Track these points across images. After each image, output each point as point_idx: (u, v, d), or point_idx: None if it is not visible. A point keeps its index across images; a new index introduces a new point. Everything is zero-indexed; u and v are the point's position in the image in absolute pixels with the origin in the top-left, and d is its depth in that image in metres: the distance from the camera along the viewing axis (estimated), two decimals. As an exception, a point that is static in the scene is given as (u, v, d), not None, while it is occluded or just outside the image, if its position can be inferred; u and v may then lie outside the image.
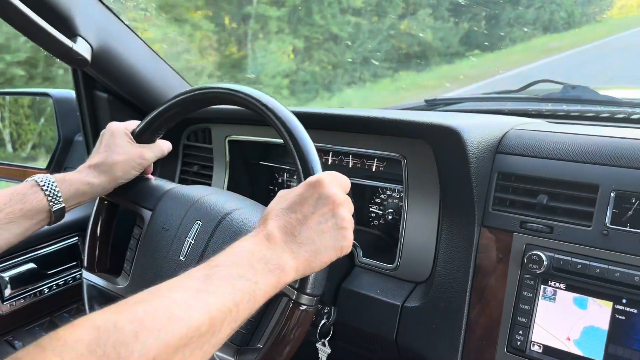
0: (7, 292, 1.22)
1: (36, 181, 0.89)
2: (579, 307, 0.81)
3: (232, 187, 1.31)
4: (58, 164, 1.56)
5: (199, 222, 0.92)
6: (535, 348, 0.84)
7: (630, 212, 0.80)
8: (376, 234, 1.18)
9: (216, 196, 0.97)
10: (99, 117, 1.33)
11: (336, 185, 0.74)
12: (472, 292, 0.90)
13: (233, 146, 1.31)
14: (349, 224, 0.74)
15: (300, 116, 0.85)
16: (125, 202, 1.02)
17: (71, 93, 1.54)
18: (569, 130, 0.94)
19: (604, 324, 0.79)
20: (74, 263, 1.34)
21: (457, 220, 0.93)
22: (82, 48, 1.06)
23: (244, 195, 1.05)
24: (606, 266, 0.79)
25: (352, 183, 1.16)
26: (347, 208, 0.74)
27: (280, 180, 1.35)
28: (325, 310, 0.99)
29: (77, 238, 1.35)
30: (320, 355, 0.99)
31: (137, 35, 1.22)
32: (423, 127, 0.94)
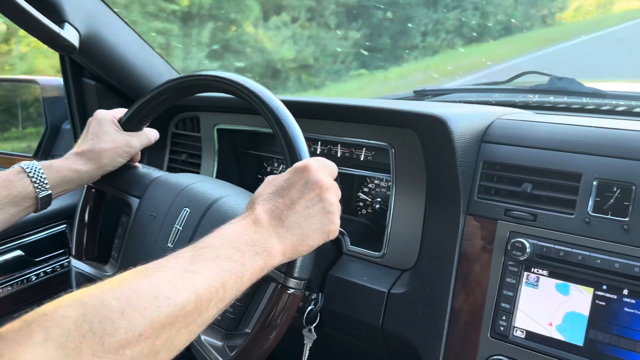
0: (-6, 279, 1.21)
1: (22, 167, 0.89)
2: (561, 293, 0.83)
3: (221, 176, 1.32)
4: (45, 152, 1.56)
5: (187, 209, 0.92)
6: (518, 333, 0.85)
7: (611, 201, 0.81)
8: (364, 222, 1.19)
9: (204, 183, 0.98)
10: (87, 105, 1.33)
11: (323, 170, 0.75)
12: (457, 279, 0.91)
13: (222, 135, 1.31)
14: (336, 208, 0.75)
15: (289, 105, 0.85)
16: (112, 190, 1.02)
17: (58, 80, 1.53)
18: (553, 120, 0.95)
19: (585, 310, 0.81)
20: (62, 251, 1.34)
21: (443, 208, 0.94)
22: (69, 34, 1.06)
23: (232, 183, 1.05)
24: (588, 253, 0.80)
25: (340, 172, 1.18)
26: (334, 193, 0.75)
27: (269, 170, 1.35)
28: (312, 297, 1.00)
29: (65, 226, 1.35)
30: (305, 342, 1.00)
31: (126, 23, 1.21)
32: (410, 116, 0.95)
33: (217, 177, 1.32)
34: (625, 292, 0.78)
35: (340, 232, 1.07)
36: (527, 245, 0.84)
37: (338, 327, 1.04)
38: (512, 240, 0.85)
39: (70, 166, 0.93)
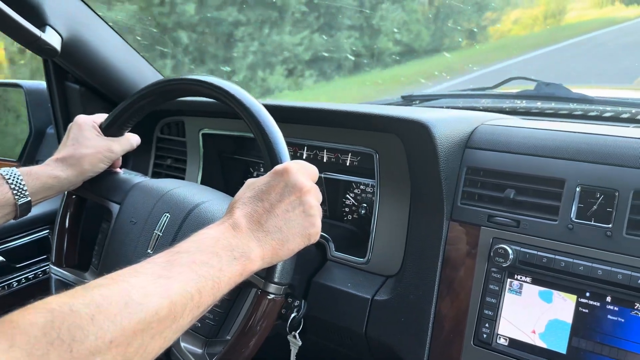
0: (-26, 285, 1.19)
1: (1, 174, 0.87)
2: (544, 300, 0.82)
3: (206, 180, 1.30)
4: (30, 157, 1.54)
5: (167, 214, 0.91)
6: (502, 341, 0.84)
7: (594, 207, 0.81)
8: (349, 228, 1.18)
9: (185, 188, 0.97)
10: (71, 109, 1.32)
11: (303, 173, 0.74)
12: (441, 286, 0.90)
13: (207, 139, 1.30)
14: (317, 211, 0.74)
15: (273, 109, 0.84)
16: (93, 196, 1.01)
17: (43, 84, 1.51)
18: (536, 125, 0.94)
19: (568, 317, 0.80)
20: (44, 256, 1.32)
21: (427, 214, 0.93)
22: (51, 38, 1.05)
23: (217, 188, 1.04)
24: (571, 260, 0.80)
25: (326, 177, 1.18)
26: (314, 196, 0.74)
27: (255, 175, 1.34)
28: (296, 304, 0.99)
29: (47, 231, 1.33)
30: (291, 348, 0.99)
31: (109, 25, 1.20)
32: (393, 121, 0.94)
33: (202, 182, 1.30)
34: (609, 299, 0.78)
35: (325, 238, 1.06)
36: (510, 251, 0.83)
37: (322, 334, 1.03)
38: (495, 247, 0.85)
39: (50, 172, 0.92)
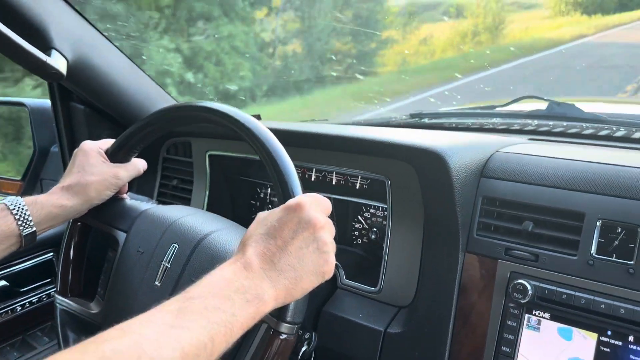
0: (-23, 310, 1.17)
1: (6, 205, 0.86)
2: (563, 337, 0.80)
3: (213, 202, 1.28)
4: (34, 175, 1.52)
5: (176, 244, 0.89)
6: (519, 378, 0.82)
7: (616, 242, 0.78)
8: (359, 253, 1.16)
9: (194, 217, 0.94)
10: (76, 129, 1.30)
11: (317, 208, 0.72)
12: (456, 320, 0.88)
13: (214, 161, 1.28)
14: (331, 247, 0.72)
15: (281, 134, 0.82)
16: (98, 224, 0.98)
17: (47, 103, 1.49)
18: (555, 154, 0.92)
19: (589, 356, 0.78)
20: (49, 280, 1.30)
21: (441, 244, 0.91)
22: (56, 62, 1.03)
23: (225, 210, 1.02)
24: (592, 297, 0.77)
25: (335, 199, 1.15)
26: (328, 231, 0.72)
27: (262, 195, 1.32)
28: (306, 337, 0.96)
29: (52, 254, 1.31)
30: (300, 381, 0.96)
31: (116, 47, 1.18)
32: (405, 149, 0.92)
33: (209, 203, 1.28)
34: (631, 339, 0.75)
35: (335, 266, 1.04)
36: (529, 287, 0.81)
37: (333, 366, 1.01)
38: (514, 282, 0.82)
39: (56, 202, 0.90)
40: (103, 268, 1.00)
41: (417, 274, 0.94)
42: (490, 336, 0.85)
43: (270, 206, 1.30)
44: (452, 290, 0.88)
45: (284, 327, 0.74)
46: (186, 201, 1.31)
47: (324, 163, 1.11)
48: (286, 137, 0.85)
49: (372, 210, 1.15)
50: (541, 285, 0.81)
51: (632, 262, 0.76)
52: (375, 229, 1.13)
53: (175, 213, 0.96)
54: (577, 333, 0.79)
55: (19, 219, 0.85)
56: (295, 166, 0.79)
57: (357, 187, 1.14)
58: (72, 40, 1.07)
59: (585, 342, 0.78)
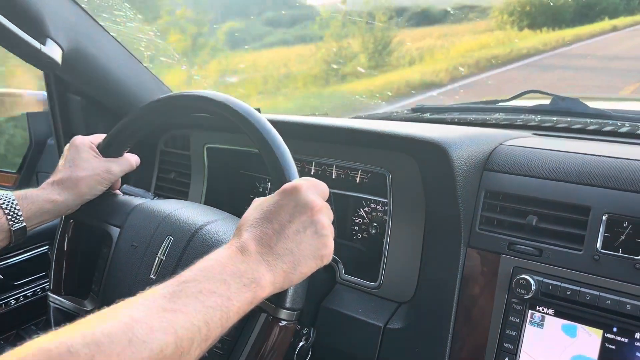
0: (-29, 304, 1.16)
1: None
2: (567, 334, 0.78)
3: (211, 196, 1.26)
4: (30, 168, 1.50)
5: (170, 237, 0.87)
6: (522, 376, 0.80)
7: (622, 237, 0.76)
8: (359, 248, 1.14)
9: (189, 209, 0.92)
10: (72, 121, 1.28)
11: (314, 191, 0.70)
12: (458, 315, 0.86)
13: (212, 154, 1.26)
14: (329, 231, 0.70)
15: (280, 125, 0.80)
16: (91, 220, 0.96)
17: (43, 94, 1.47)
18: (560, 147, 0.90)
19: (593, 353, 0.76)
20: (43, 274, 1.28)
21: (443, 239, 0.89)
22: (52, 50, 1.01)
23: (222, 204, 1.00)
24: (597, 293, 0.75)
25: (335, 194, 1.13)
26: (326, 215, 0.70)
27: (261, 189, 1.30)
28: (304, 332, 0.94)
29: (47, 247, 1.29)
30: (298, 378, 0.94)
31: (113, 37, 1.16)
32: (408, 141, 0.90)
33: (207, 197, 1.26)
34: (637, 335, 0.73)
35: (334, 260, 1.02)
36: (532, 282, 0.79)
37: (331, 362, 0.99)
38: (517, 277, 0.80)
39: (47, 197, 0.88)
40: (97, 264, 0.98)
41: (417, 269, 0.92)
42: (493, 332, 0.83)
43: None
44: (454, 286, 0.86)
45: (283, 314, 0.73)
46: (184, 195, 1.29)
47: (324, 156, 1.09)
48: (285, 128, 0.83)
49: (372, 205, 1.13)
50: (545, 280, 0.79)
51: (639, 257, 0.74)
52: (375, 224, 1.11)
53: (169, 206, 0.95)
54: (582, 330, 0.77)
55: (8, 214, 0.84)
56: (295, 160, 0.77)
57: (357, 182, 1.12)
58: (67, 29, 1.05)
59: (589, 339, 0.76)
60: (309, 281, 0.75)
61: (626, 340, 0.74)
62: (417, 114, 1.46)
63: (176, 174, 1.33)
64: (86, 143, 0.94)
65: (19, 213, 0.84)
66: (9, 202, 0.83)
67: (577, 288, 0.77)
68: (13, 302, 1.22)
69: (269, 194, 1.27)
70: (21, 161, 1.49)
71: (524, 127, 1.29)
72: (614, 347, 0.75)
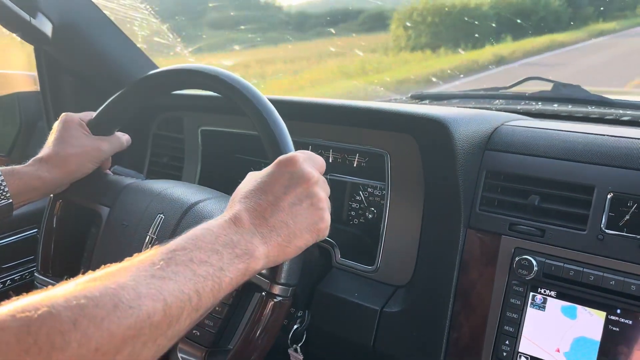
0: (-44, 287, 1.13)
1: None
2: (568, 316, 0.76)
3: (205, 181, 1.24)
4: (20, 151, 1.46)
5: (162, 215, 0.85)
6: (522, 360, 0.78)
7: (627, 216, 0.74)
8: (356, 233, 1.11)
9: (181, 188, 0.90)
10: (63, 102, 1.25)
11: (310, 163, 0.68)
12: (456, 299, 0.84)
13: (206, 137, 1.23)
14: (326, 204, 0.68)
15: (277, 104, 0.78)
16: (80, 199, 0.94)
17: (34, 75, 1.44)
18: (563, 127, 0.88)
19: (596, 336, 0.73)
20: (31, 257, 1.25)
21: (442, 220, 0.87)
22: (42, 24, 0.98)
23: (217, 189, 0.97)
24: (601, 273, 0.73)
25: (332, 179, 1.11)
26: (322, 188, 0.68)
27: (256, 174, 1.28)
28: (299, 315, 0.92)
29: (35, 230, 1.26)
30: (292, 362, 0.92)
31: (104, 14, 1.13)
32: (408, 119, 0.88)
33: (200, 182, 1.24)
34: (642, 317, 0.71)
35: (330, 243, 1.00)
36: (534, 263, 0.77)
37: (326, 347, 0.96)
38: (518, 258, 0.78)
39: (34, 173, 0.86)
40: (86, 245, 0.95)
41: (415, 251, 0.90)
42: (492, 315, 0.80)
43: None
44: (453, 268, 0.84)
45: (278, 289, 0.71)
46: (177, 179, 1.26)
47: (321, 137, 1.06)
48: (282, 108, 0.80)
49: (369, 189, 1.10)
50: (547, 261, 0.77)
51: (644, 237, 0.72)
52: (372, 209, 1.09)
53: (160, 185, 0.92)
54: (585, 311, 0.75)
55: None
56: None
57: (355, 165, 1.10)
58: (58, 3, 1.02)
59: (592, 320, 0.74)
60: (303, 260, 0.72)
61: (630, 322, 0.72)
62: (416, 101, 1.44)
63: (169, 158, 1.30)
64: (75, 120, 0.92)
65: (6, 189, 0.82)
66: None
67: (581, 269, 0.75)
68: (0, 285, 1.19)
69: (264, 165, 1.25)
70: (11, 143, 1.46)
71: (527, 114, 1.27)
72: (617, 329, 0.72)
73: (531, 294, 0.78)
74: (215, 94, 0.82)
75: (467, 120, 0.87)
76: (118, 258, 0.85)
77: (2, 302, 0.43)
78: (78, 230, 0.97)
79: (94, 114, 0.94)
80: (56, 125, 0.92)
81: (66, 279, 0.47)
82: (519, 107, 1.30)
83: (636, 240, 0.73)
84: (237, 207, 0.62)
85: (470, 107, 1.32)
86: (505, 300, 0.80)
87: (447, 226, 0.86)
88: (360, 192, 1.11)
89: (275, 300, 0.70)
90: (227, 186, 1.26)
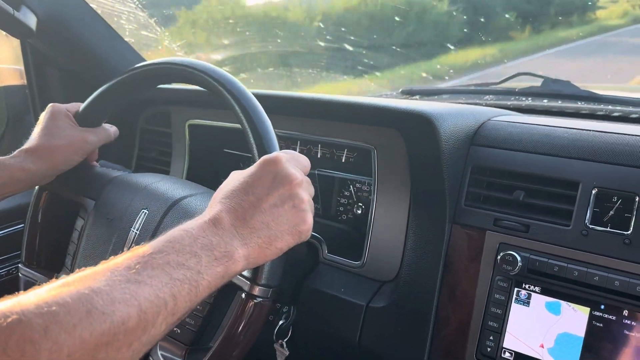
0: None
1: None
2: (552, 312, 0.76)
3: (192, 176, 1.23)
4: (7, 146, 1.45)
5: (145, 210, 0.84)
6: (507, 355, 0.78)
7: (611, 212, 0.74)
8: (343, 229, 1.11)
9: (167, 183, 0.89)
10: (51, 96, 1.23)
11: (294, 164, 0.67)
12: (441, 294, 0.83)
13: (194, 131, 1.22)
14: (308, 206, 0.67)
15: (263, 99, 0.77)
16: (66, 191, 0.93)
17: (20, 69, 1.43)
18: (549, 122, 0.88)
19: (580, 331, 0.73)
20: (17, 252, 1.24)
21: (427, 216, 0.86)
22: (26, 17, 0.97)
23: (204, 185, 0.97)
24: (585, 269, 0.73)
25: (320, 174, 1.10)
26: (306, 189, 0.67)
27: (243, 168, 1.27)
28: (284, 310, 0.92)
29: (21, 225, 1.25)
30: (277, 357, 0.92)
31: (91, 7, 1.12)
32: (393, 113, 0.87)
33: (188, 177, 1.23)
34: (626, 313, 0.71)
35: (317, 239, 0.99)
36: (519, 258, 0.76)
37: (312, 342, 0.96)
38: (502, 253, 0.78)
39: (19, 165, 0.85)
40: (71, 237, 0.94)
41: (401, 247, 0.90)
42: (477, 310, 0.80)
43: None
44: (438, 263, 0.84)
45: (258, 290, 0.70)
46: (165, 174, 1.25)
47: (309, 132, 1.06)
48: (269, 102, 0.80)
49: (357, 185, 1.10)
50: (532, 257, 0.77)
51: (628, 232, 0.72)
52: (360, 204, 1.09)
53: (147, 179, 0.91)
54: (569, 307, 0.75)
55: None
56: (279, 138, 0.74)
57: (343, 161, 1.09)
58: (43, -4, 1.01)
59: (576, 316, 0.74)
60: (286, 258, 0.72)
61: (614, 318, 0.72)
62: (406, 97, 1.43)
63: (157, 153, 1.29)
64: (62, 111, 0.91)
65: None
66: None
67: (565, 264, 0.74)
68: (-15, 281, 1.18)
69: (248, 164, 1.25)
70: (-2, 138, 1.45)
71: (517, 110, 1.27)
72: (601, 324, 0.72)
73: (515, 289, 0.78)
74: (202, 88, 0.81)
75: (452, 115, 0.86)
76: (102, 252, 0.85)
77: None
78: (63, 223, 0.97)
79: (81, 105, 0.93)
80: (43, 116, 0.91)
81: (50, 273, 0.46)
82: (509, 103, 1.29)
83: (620, 235, 0.72)
84: (218, 208, 0.61)
85: (460, 103, 1.31)
86: (489, 295, 0.79)
87: (433, 221, 0.85)
88: (348, 188, 1.10)
89: (255, 301, 0.69)
90: (215, 181, 1.25)
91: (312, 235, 0.69)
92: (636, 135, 0.77)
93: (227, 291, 0.78)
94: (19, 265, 0.96)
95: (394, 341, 0.86)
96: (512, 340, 0.77)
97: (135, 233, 0.83)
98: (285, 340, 0.91)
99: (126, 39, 1.20)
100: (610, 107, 1.21)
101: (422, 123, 0.82)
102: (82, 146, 0.91)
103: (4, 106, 1.40)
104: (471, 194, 0.84)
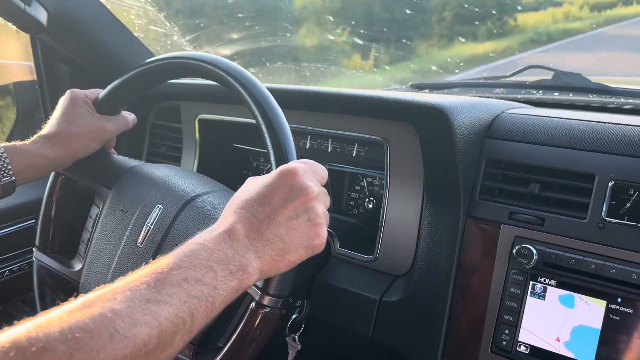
0: (-45, 277, 1.12)
1: None
2: (569, 305, 0.75)
3: (203, 171, 1.23)
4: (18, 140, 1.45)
5: (160, 205, 0.84)
6: (522, 349, 0.77)
7: (628, 204, 0.74)
8: (355, 223, 1.11)
9: (183, 177, 0.89)
10: (61, 91, 1.23)
11: (311, 175, 0.66)
12: (455, 288, 0.83)
13: (204, 126, 1.22)
14: (324, 219, 0.66)
15: (276, 93, 0.76)
16: (82, 178, 0.93)
17: (30, 65, 1.43)
18: (564, 115, 0.87)
19: (597, 324, 0.73)
20: (30, 248, 1.24)
21: (441, 209, 0.86)
22: (36, 12, 0.97)
23: (215, 179, 0.96)
24: (602, 262, 0.73)
25: (331, 169, 1.10)
26: (322, 202, 0.66)
27: (255, 165, 1.27)
28: (297, 304, 0.92)
29: (34, 221, 1.25)
30: (289, 351, 0.92)
31: (100, 2, 1.12)
32: (407, 106, 0.86)
33: (198, 171, 1.23)
34: (643, 306, 0.71)
35: (330, 233, 0.99)
36: (534, 252, 0.76)
37: (324, 336, 0.96)
38: (518, 246, 0.77)
39: (38, 151, 0.84)
40: (85, 224, 0.94)
41: (415, 241, 0.89)
42: (492, 304, 0.80)
43: (263, 175, 1.24)
44: (452, 257, 0.84)
45: (268, 300, 0.69)
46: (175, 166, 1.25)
47: (318, 126, 1.05)
48: (280, 96, 0.79)
49: (369, 179, 1.10)
50: (547, 250, 0.76)
51: (645, 225, 0.71)
52: (372, 198, 1.08)
53: (163, 172, 0.91)
54: (585, 300, 0.74)
55: None
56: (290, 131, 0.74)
57: (354, 155, 1.09)
58: (54, -9, 1.01)
59: (592, 309, 0.74)
60: (298, 268, 0.71)
61: (630, 311, 0.71)
62: (416, 90, 1.42)
63: (167, 148, 1.29)
64: (81, 97, 0.90)
65: (8, 167, 0.80)
66: None
67: (581, 257, 0.74)
68: (-1, 276, 1.19)
69: (265, 171, 1.24)
70: (9, 133, 1.45)
71: (527, 103, 1.26)
72: (618, 317, 0.72)
73: (531, 282, 0.78)
74: (212, 82, 0.81)
75: (467, 108, 0.86)
76: (116, 242, 0.86)
77: (1, 293, 0.42)
78: (78, 209, 0.97)
79: (100, 92, 0.92)
80: (61, 102, 0.90)
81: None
82: (519, 96, 1.28)
83: (637, 228, 0.72)
84: (233, 219, 0.61)
85: (470, 96, 1.31)
86: (504, 289, 0.79)
87: (447, 215, 0.85)
88: (360, 182, 1.10)
89: (265, 310, 0.69)
90: (225, 175, 1.26)
91: None
92: (653, 127, 0.77)
93: (236, 298, 0.78)
94: (33, 249, 0.97)
95: (408, 335, 0.86)
96: (528, 334, 0.77)
97: (150, 228, 0.83)
98: (297, 334, 0.91)
99: (135, 34, 1.20)
100: (622, 99, 1.20)
101: (437, 116, 0.82)
102: (100, 134, 0.90)
103: (14, 102, 1.40)
104: (486, 187, 0.84)
